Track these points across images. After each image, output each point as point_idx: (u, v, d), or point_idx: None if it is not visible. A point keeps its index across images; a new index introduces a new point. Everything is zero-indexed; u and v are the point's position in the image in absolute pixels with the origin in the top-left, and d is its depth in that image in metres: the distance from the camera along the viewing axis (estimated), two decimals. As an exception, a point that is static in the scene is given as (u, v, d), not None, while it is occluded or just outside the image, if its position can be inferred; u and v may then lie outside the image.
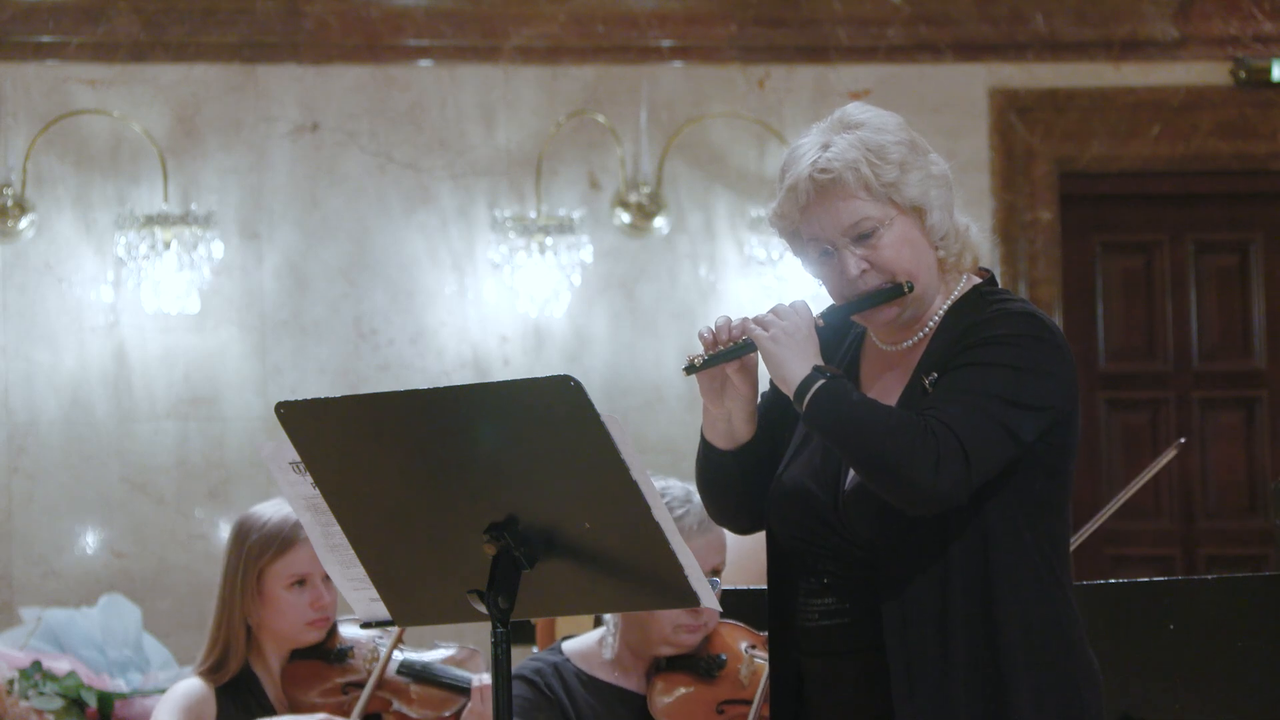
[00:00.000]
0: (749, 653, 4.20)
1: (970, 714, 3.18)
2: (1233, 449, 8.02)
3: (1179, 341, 8.02)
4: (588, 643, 4.31)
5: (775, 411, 3.37)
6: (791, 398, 3.22)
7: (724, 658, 4.23)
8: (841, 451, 3.21)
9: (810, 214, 3.26)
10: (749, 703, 4.12)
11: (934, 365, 3.25)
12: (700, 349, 3.29)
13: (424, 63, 7.63)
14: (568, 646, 4.32)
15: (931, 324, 3.32)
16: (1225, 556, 7.94)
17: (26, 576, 7.38)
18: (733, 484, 3.39)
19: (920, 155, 3.29)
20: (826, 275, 3.31)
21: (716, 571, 4.24)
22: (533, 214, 7.53)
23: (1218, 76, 7.82)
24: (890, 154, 3.25)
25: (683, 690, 4.21)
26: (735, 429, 3.35)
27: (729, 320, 3.28)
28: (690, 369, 3.28)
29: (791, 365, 3.22)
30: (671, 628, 4.18)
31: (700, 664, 4.22)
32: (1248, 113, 7.81)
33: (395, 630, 4.26)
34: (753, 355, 3.28)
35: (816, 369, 3.21)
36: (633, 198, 7.59)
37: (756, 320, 3.26)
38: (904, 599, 3.20)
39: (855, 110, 3.31)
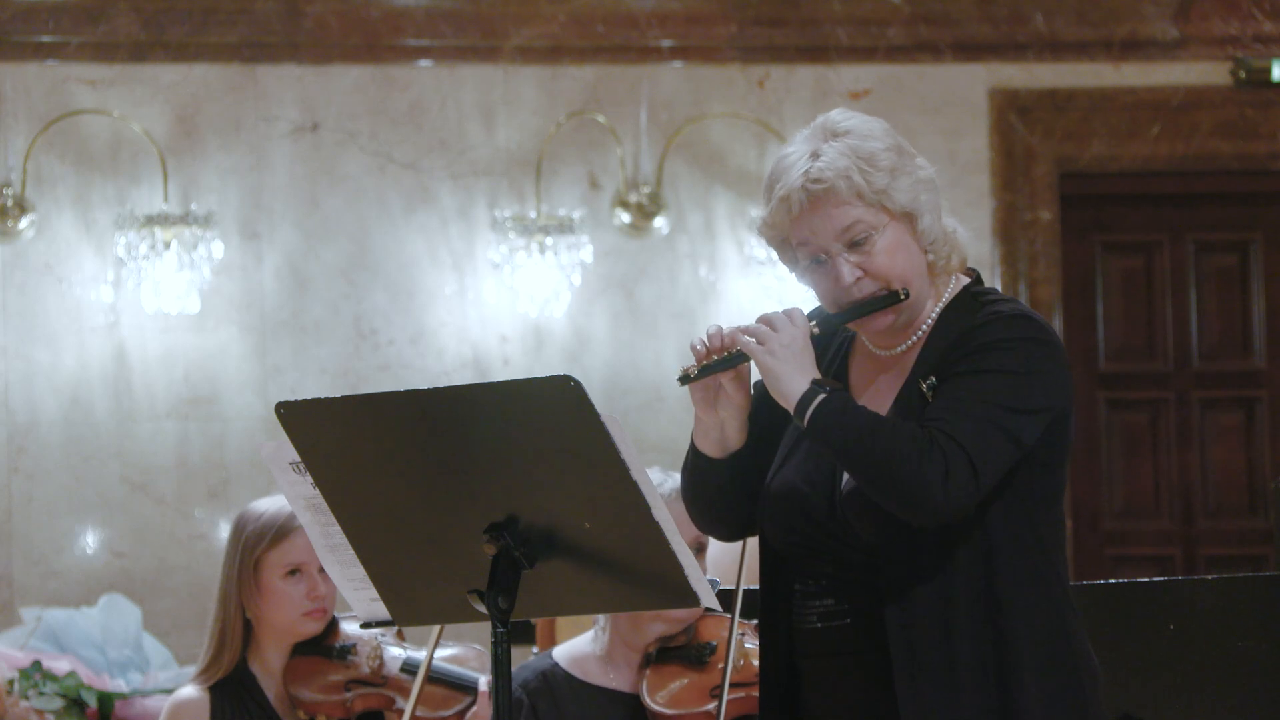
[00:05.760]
0: (739, 638, 4.20)
1: (976, 712, 3.18)
2: (1233, 449, 8.01)
3: (1179, 341, 8.02)
4: (579, 645, 4.30)
5: (763, 416, 3.35)
6: (791, 413, 3.21)
7: (714, 644, 4.23)
8: (847, 467, 3.20)
9: (802, 222, 3.26)
10: (744, 685, 4.11)
11: (931, 369, 3.25)
12: (692, 359, 3.29)
13: (424, 63, 7.63)
14: (558, 652, 4.31)
15: (925, 327, 3.32)
16: (1225, 556, 7.93)
17: (26, 576, 7.38)
18: (723, 491, 3.37)
19: (908, 160, 3.28)
20: (819, 283, 3.30)
21: (701, 546, 4.24)
22: (533, 214, 7.52)
23: (1218, 76, 7.82)
24: (880, 161, 3.24)
25: (676, 681, 4.21)
26: (727, 437, 3.34)
27: (720, 329, 3.27)
28: (684, 379, 3.27)
29: (789, 380, 3.20)
30: None
31: (691, 652, 4.22)
32: (1248, 113, 7.80)
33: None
34: (746, 364, 3.27)
35: (815, 383, 3.20)
36: (633, 198, 7.59)
37: (749, 332, 3.24)
38: (906, 600, 3.19)
39: (839, 117, 3.30)
